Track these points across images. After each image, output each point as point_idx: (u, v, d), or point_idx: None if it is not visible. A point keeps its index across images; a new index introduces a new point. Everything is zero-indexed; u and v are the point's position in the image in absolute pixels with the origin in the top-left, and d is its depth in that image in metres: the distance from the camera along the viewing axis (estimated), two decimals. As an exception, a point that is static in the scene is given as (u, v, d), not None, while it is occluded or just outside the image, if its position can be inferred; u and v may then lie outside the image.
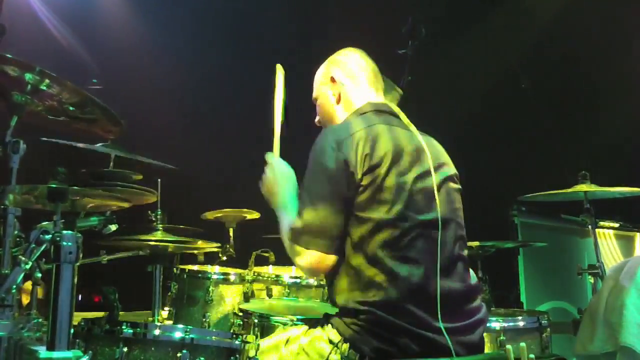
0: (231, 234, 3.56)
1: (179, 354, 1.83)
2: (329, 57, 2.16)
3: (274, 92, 2.25)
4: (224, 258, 3.50)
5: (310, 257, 1.79)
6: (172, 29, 4.89)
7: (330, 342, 1.78)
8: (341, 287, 1.81)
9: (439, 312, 1.72)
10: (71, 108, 2.05)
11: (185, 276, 3.14)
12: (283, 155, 2.12)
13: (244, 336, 1.98)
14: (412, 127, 1.96)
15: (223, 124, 5.04)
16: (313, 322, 1.92)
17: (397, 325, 1.70)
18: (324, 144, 1.84)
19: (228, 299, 3.08)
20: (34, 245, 1.58)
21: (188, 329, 1.87)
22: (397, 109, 2.02)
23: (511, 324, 2.57)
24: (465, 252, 1.92)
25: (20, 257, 1.61)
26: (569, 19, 4.62)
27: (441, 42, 4.41)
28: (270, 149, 2.14)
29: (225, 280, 3.10)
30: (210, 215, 3.51)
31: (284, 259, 3.48)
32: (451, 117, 4.73)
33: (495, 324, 2.52)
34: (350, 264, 1.80)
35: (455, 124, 4.68)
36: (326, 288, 3.18)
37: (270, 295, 3.03)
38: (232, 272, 3.16)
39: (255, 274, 3.14)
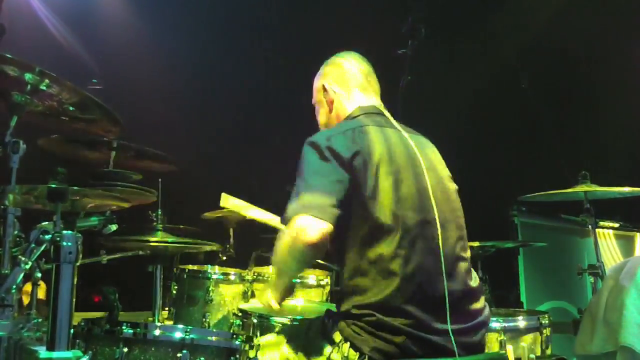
0: (231, 234, 3.56)
1: (179, 354, 1.83)
2: (325, 62, 2.20)
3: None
4: (224, 258, 3.50)
5: (299, 221, 1.70)
6: (173, 29, 4.88)
7: (331, 341, 1.79)
8: (342, 289, 1.82)
9: (448, 314, 1.71)
10: (71, 108, 2.06)
11: (185, 276, 3.14)
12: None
13: (244, 336, 1.98)
14: (400, 128, 1.98)
15: (223, 124, 5.04)
16: (313, 322, 1.92)
17: (397, 326, 1.70)
18: (315, 140, 1.86)
19: (228, 299, 3.08)
20: (34, 245, 1.58)
21: (188, 329, 1.87)
22: (385, 111, 2.04)
23: (511, 324, 2.57)
24: (467, 254, 1.91)
25: (20, 257, 1.61)
26: (569, 18, 4.62)
27: (441, 42, 4.42)
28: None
29: (225, 280, 3.10)
30: (210, 215, 3.50)
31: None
32: (451, 117, 4.73)
33: (496, 324, 2.51)
34: (350, 267, 1.80)
35: (455, 124, 4.68)
36: (326, 288, 3.20)
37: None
38: (232, 272, 3.15)
39: (255, 274, 3.13)
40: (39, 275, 2.14)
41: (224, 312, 3.04)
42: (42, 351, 1.52)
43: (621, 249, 4.72)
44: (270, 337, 2.03)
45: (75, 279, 1.56)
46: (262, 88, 4.99)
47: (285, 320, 2.29)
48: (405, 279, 1.72)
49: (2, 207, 1.80)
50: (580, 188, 3.18)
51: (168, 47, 4.89)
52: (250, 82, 4.93)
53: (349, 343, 1.74)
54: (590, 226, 3.28)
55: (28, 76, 1.84)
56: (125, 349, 1.82)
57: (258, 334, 2.28)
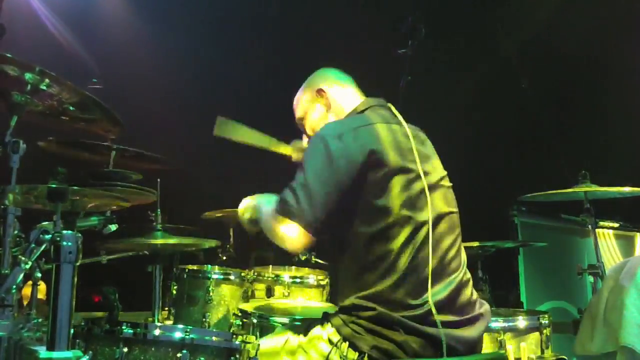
0: (231, 234, 3.56)
1: (179, 354, 1.82)
2: (304, 82, 2.24)
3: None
4: (224, 258, 3.50)
5: (289, 229, 1.80)
6: (174, 28, 4.88)
7: (330, 341, 1.79)
8: (342, 286, 1.84)
9: (433, 307, 1.73)
10: (71, 108, 2.06)
11: (185, 276, 3.14)
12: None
13: (244, 336, 1.97)
14: (404, 122, 1.99)
15: (223, 123, 5.03)
16: (312, 322, 1.92)
17: (395, 321, 1.71)
18: (324, 134, 1.87)
19: (228, 299, 3.08)
20: (34, 245, 1.58)
21: (188, 329, 1.87)
22: (392, 107, 2.06)
23: (511, 324, 2.57)
24: (461, 248, 1.93)
25: (20, 257, 1.60)
26: (569, 18, 4.62)
27: (441, 41, 4.42)
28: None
29: (225, 280, 3.10)
30: (210, 215, 3.50)
31: (284, 259, 3.49)
32: (451, 117, 4.73)
33: (496, 324, 2.52)
34: (349, 263, 1.82)
35: (455, 124, 4.67)
36: (326, 288, 3.20)
37: (270, 296, 3.04)
38: (232, 272, 3.16)
39: (255, 274, 3.14)
40: (39, 275, 2.14)
41: (224, 312, 3.04)
42: (42, 351, 1.52)
43: (621, 249, 4.73)
44: (269, 338, 2.03)
45: (75, 279, 1.56)
46: (262, 88, 4.99)
47: (285, 320, 2.30)
48: (408, 274, 1.75)
49: (2, 207, 1.79)
50: (580, 188, 3.18)
51: (168, 47, 4.89)
52: (250, 82, 4.92)
53: (347, 342, 1.75)
54: (590, 226, 3.28)
55: (28, 76, 1.84)
56: (125, 349, 1.82)
57: (258, 334, 2.29)
